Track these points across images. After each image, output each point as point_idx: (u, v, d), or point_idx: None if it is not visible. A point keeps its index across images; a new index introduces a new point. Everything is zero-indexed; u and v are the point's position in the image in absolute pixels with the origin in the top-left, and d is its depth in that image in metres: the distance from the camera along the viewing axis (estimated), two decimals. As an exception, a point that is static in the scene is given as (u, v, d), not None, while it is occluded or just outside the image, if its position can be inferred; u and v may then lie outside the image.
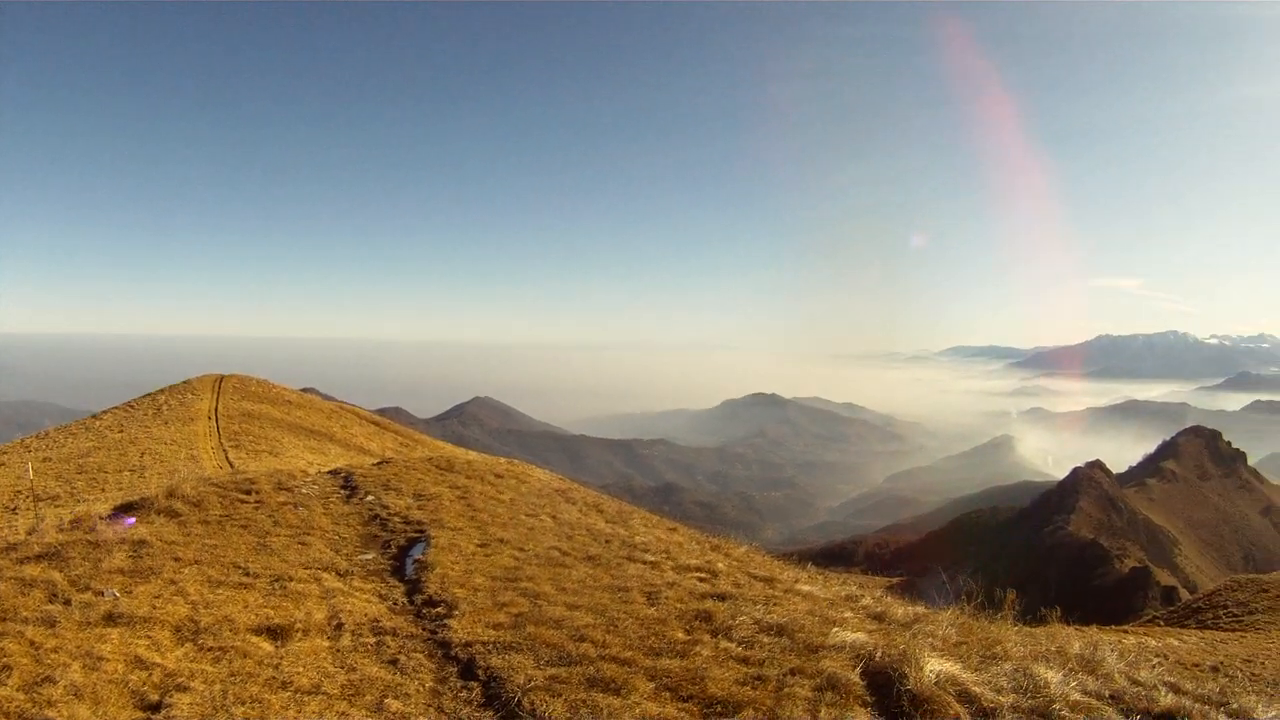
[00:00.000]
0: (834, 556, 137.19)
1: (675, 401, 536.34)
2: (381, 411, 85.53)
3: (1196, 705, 5.76)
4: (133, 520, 9.77)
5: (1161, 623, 26.82)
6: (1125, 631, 22.30)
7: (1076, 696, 5.70)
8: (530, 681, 5.43)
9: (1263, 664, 17.75)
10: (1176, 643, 19.89)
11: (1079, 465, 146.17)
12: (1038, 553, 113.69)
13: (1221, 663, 17.24)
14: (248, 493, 11.65)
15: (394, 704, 5.27)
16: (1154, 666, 7.45)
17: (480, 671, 5.75)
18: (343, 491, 12.65)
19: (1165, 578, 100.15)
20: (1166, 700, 5.81)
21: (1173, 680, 6.53)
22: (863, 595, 8.83)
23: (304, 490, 12.35)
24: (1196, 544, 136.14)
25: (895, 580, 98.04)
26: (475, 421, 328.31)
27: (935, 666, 5.70)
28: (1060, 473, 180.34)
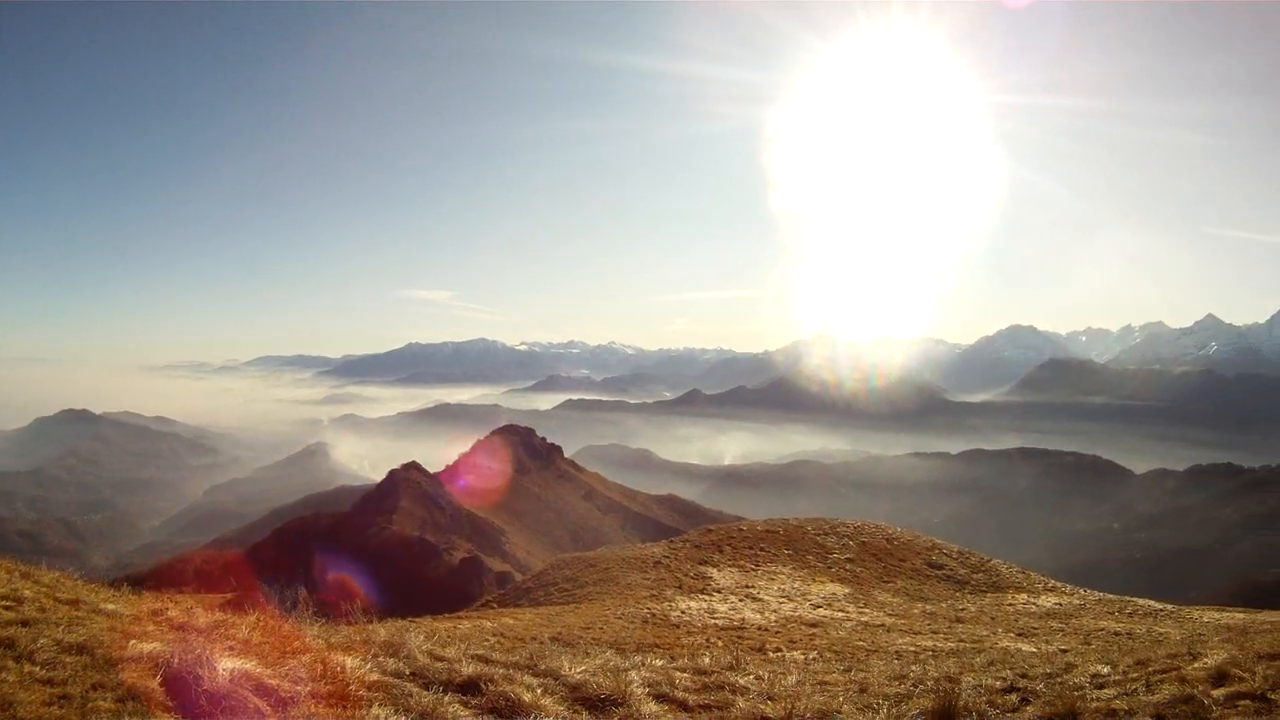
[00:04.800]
0: (165, 578, 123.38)
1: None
2: None
3: (502, 670, 6.84)
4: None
5: (495, 605, 28.77)
6: (461, 618, 23.37)
7: (374, 676, 6.48)
8: None
9: (601, 629, 19.53)
10: (513, 621, 21.34)
11: (395, 468, 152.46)
12: (367, 553, 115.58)
13: (560, 633, 18.40)
14: None
15: None
16: (464, 643, 8.63)
17: None
18: None
19: (498, 564, 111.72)
20: (469, 670, 6.80)
21: (481, 653, 7.66)
22: (169, 608, 9.19)
23: None
24: (524, 531, 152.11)
25: (230, 595, 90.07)
26: None
27: (229, 665, 6.11)
28: (378, 476, 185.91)
